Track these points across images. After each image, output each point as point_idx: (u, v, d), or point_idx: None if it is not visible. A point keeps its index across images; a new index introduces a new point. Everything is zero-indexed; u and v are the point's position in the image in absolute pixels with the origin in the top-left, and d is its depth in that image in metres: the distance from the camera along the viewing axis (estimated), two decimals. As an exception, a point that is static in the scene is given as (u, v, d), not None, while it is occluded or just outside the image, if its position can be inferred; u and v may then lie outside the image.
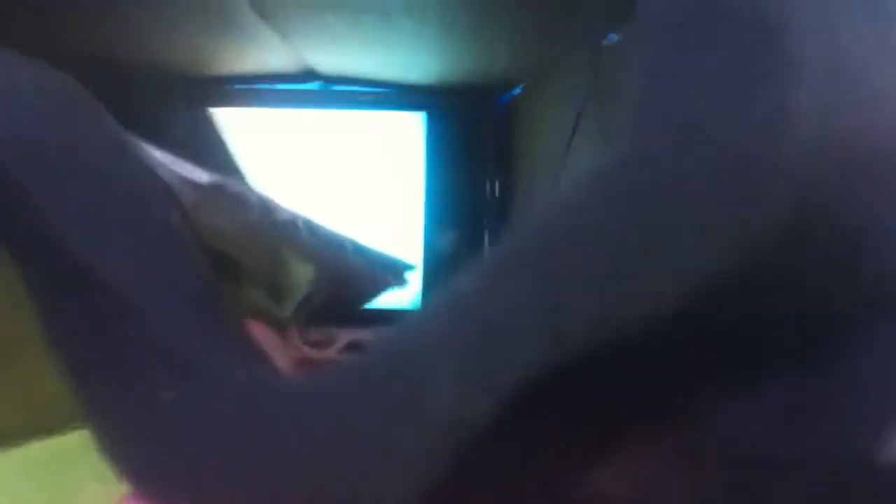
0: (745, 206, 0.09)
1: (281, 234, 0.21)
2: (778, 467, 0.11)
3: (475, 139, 0.59)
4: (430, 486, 0.11)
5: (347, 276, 0.23)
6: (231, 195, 0.20)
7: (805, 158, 0.09)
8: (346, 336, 0.25)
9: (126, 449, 0.12)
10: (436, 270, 0.58)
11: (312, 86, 0.58)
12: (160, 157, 0.17)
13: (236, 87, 0.55)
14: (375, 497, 0.11)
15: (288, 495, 0.11)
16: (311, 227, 0.22)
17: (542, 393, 0.11)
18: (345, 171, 0.62)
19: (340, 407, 0.11)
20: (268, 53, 0.48)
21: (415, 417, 0.11)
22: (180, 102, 0.47)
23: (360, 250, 0.23)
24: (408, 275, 0.26)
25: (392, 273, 0.25)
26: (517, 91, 0.55)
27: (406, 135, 0.62)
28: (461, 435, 0.11)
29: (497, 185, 0.59)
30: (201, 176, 0.18)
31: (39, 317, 0.13)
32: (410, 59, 0.49)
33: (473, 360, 0.11)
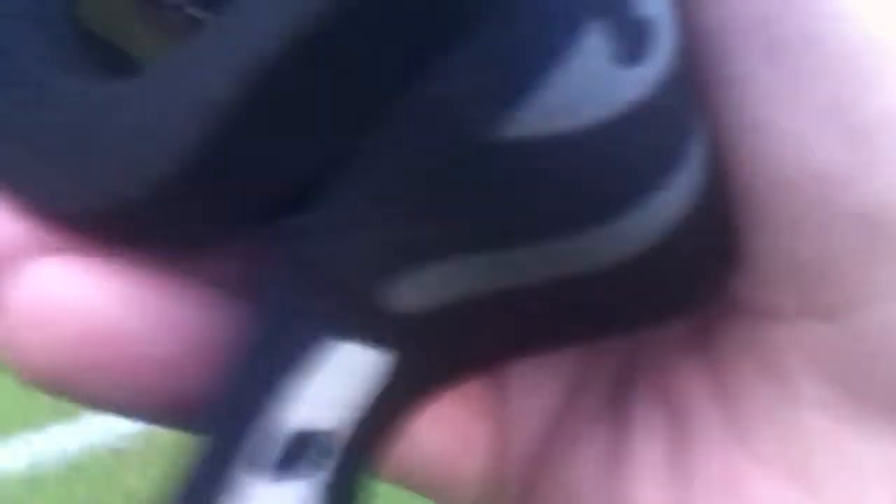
0: None
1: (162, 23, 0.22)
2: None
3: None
4: (183, 164, 0.13)
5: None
6: None
7: None
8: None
9: None
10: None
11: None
12: None
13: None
14: (141, 172, 0.13)
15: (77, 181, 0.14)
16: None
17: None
18: None
19: (128, 99, 0.14)
20: None
21: (179, 99, 0.13)
22: None
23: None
24: None
25: None
26: None
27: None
28: (212, 114, 0.12)
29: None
30: None
31: None
32: None
33: (224, 52, 0.13)
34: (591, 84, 0.12)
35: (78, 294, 0.13)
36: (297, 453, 0.13)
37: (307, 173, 0.13)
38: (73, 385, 0.14)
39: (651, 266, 0.13)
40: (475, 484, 0.17)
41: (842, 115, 0.13)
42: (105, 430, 1.64)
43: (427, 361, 0.14)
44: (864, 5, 0.13)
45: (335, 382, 0.13)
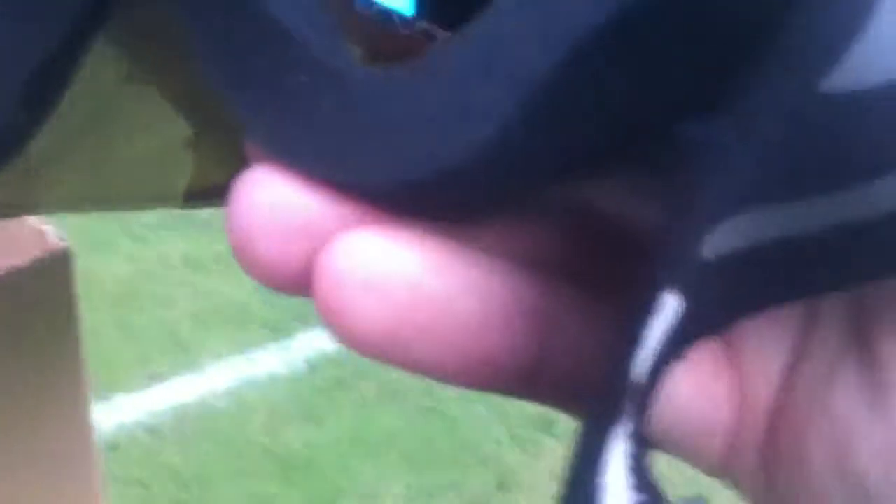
0: None
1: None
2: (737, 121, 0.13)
3: None
4: (498, 139, 0.14)
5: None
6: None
7: None
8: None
9: (269, 133, 0.16)
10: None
11: None
12: None
13: None
14: (449, 144, 0.14)
15: (383, 161, 0.15)
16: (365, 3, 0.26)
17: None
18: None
19: (438, 72, 0.14)
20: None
21: (494, 72, 0.14)
22: None
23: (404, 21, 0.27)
24: None
25: None
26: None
27: None
28: (528, 89, 0.13)
29: None
30: None
31: (198, 43, 0.16)
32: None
33: (537, 24, 0.13)
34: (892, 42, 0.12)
35: (397, 262, 0.15)
36: (628, 402, 0.14)
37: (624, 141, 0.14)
38: (397, 349, 0.15)
39: None
40: (722, 440, 0.17)
41: None
42: (137, 408, 1.64)
43: (707, 309, 0.14)
44: None
45: (656, 330, 0.13)
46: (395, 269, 0.14)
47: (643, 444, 0.14)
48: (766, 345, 0.17)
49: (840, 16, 0.12)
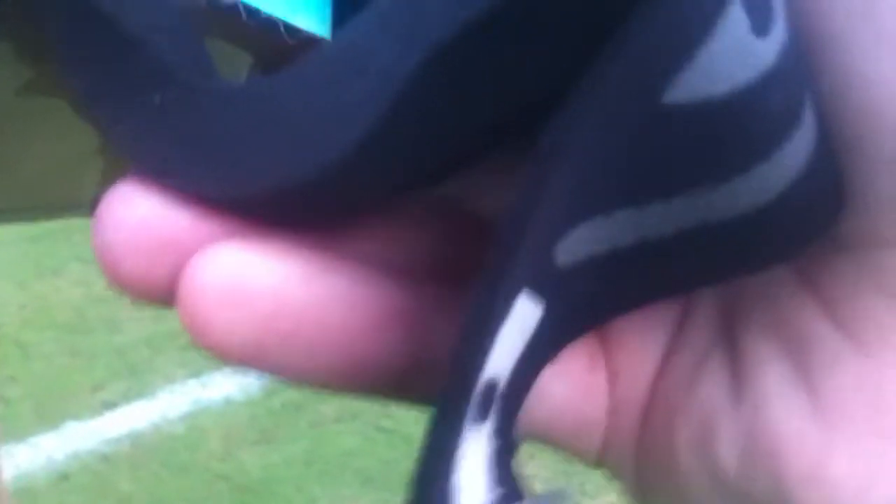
0: None
1: (223, 25, 0.26)
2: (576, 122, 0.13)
3: None
4: (367, 134, 0.14)
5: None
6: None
7: None
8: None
9: (132, 147, 0.16)
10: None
11: None
12: None
13: None
14: (320, 146, 0.14)
15: (251, 169, 0.15)
16: (251, 10, 0.26)
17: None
18: None
19: (303, 81, 0.15)
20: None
21: (360, 75, 0.14)
22: None
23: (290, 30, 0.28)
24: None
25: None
26: None
27: None
28: (396, 87, 0.14)
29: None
30: None
31: (58, 53, 0.16)
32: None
33: (405, 25, 0.14)
34: (739, 51, 0.13)
35: (260, 273, 0.15)
36: (485, 401, 0.14)
37: (482, 142, 0.15)
38: (262, 358, 0.15)
39: (778, 210, 0.14)
40: (599, 433, 0.18)
41: None
42: (90, 436, 1.61)
43: (570, 311, 0.15)
44: None
45: (511, 333, 0.14)
46: (258, 279, 0.15)
47: (507, 441, 0.14)
48: (640, 340, 0.18)
49: (682, 27, 0.12)
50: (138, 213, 0.15)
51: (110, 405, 1.66)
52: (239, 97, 0.15)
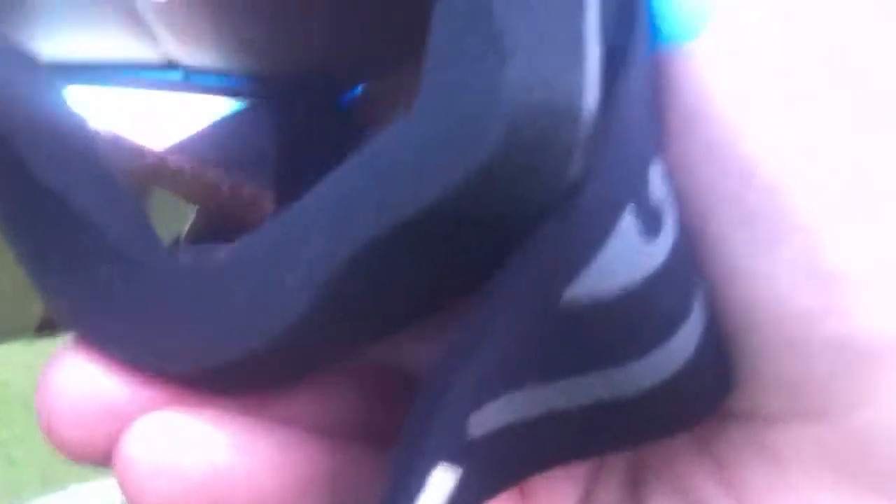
0: (469, 134, 0.14)
1: (169, 183, 0.28)
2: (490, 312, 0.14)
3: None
4: (297, 324, 0.15)
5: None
6: (129, 144, 0.26)
7: (514, 99, 0.13)
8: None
9: (75, 317, 0.16)
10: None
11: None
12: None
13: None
14: (250, 332, 0.15)
15: (185, 349, 0.15)
16: (196, 173, 0.28)
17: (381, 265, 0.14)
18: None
19: (240, 263, 0.15)
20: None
21: (291, 265, 0.15)
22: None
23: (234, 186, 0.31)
24: None
25: None
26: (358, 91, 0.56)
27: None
28: (324, 278, 0.15)
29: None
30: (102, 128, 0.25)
31: (1, 219, 0.17)
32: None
33: (338, 218, 0.15)
34: (629, 256, 0.14)
35: (191, 442, 0.16)
36: None
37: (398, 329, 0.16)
38: None
39: (671, 389, 0.16)
40: None
41: (812, 265, 0.16)
42: (95, 498, 1.61)
43: (484, 476, 0.16)
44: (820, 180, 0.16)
45: (428, 500, 0.15)
46: (189, 448, 0.16)
47: None
48: (556, 494, 0.19)
49: (579, 236, 0.14)
50: (79, 382, 0.16)
51: (115, 467, 1.66)
52: (181, 276, 0.16)
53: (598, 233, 0.14)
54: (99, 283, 0.16)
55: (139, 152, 0.27)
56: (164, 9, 0.30)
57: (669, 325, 0.15)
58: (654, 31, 0.16)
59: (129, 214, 0.17)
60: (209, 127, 0.39)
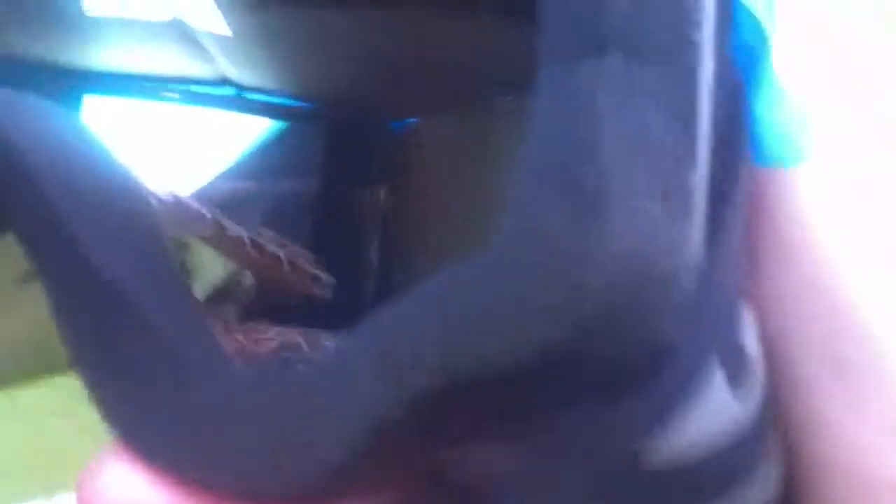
0: (569, 294, 0.12)
1: (227, 249, 0.27)
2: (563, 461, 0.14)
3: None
4: (343, 475, 0.14)
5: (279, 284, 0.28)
6: (189, 211, 0.25)
7: (610, 268, 0.12)
8: (275, 333, 0.31)
9: (121, 419, 0.15)
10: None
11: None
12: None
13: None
14: (288, 481, 0.14)
15: (221, 472, 0.15)
16: (256, 244, 0.27)
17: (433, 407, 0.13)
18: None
19: (283, 397, 0.14)
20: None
21: (339, 413, 0.14)
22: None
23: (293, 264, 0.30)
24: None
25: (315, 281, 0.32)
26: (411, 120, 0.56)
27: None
28: (374, 428, 0.13)
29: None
30: (163, 191, 0.23)
31: (51, 303, 0.16)
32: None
33: (389, 363, 0.13)
34: (717, 415, 0.14)
35: None
36: None
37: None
38: None
39: None
40: None
41: None
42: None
43: None
44: None
45: None
46: None
47: None
48: None
49: (668, 396, 0.13)
50: (119, 491, 0.15)
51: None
52: (236, 388, 0.15)
53: (686, 391, 0.13)
54: (146, 382, 0.15)
55: (198, 217, 0.26)
56: (226, 41, 0.30)
57: (748, 473, 0.15)
58: (755, 152, 0.15)
59: (185, 312, 0.16)
60: (258, 146, 0.39)
